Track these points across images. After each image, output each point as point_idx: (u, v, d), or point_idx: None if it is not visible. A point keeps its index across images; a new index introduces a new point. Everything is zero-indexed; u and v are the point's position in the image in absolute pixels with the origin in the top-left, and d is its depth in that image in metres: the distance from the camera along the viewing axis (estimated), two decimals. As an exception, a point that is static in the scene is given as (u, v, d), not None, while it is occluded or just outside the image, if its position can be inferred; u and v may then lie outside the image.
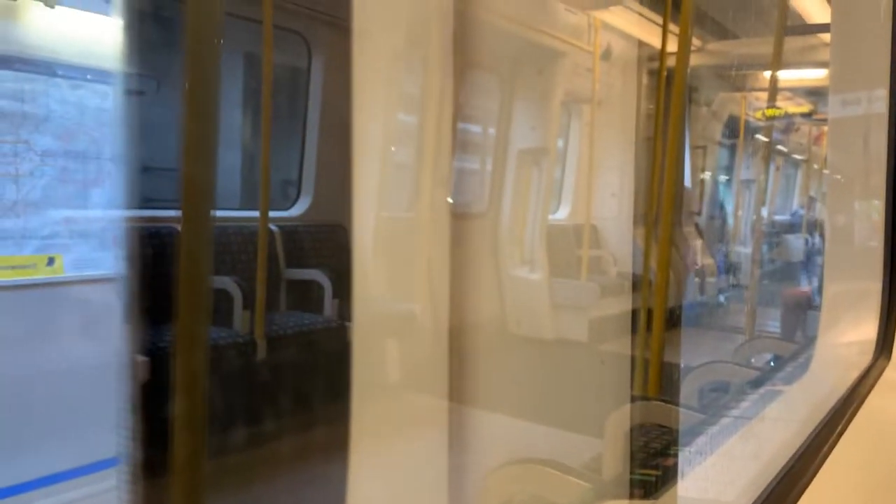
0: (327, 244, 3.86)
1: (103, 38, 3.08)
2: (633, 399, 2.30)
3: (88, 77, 3.05)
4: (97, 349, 3.10)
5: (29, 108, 2.88)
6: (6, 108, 2.80)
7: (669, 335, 2.51)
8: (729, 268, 8.01)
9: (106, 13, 3.05)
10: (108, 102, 3.12)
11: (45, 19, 2.90)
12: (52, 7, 2.89)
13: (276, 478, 2.77)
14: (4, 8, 2.80)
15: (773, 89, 5.17)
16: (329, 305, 3.41)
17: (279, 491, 2.73)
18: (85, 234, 3.07)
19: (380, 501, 1.67)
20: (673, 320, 2.66)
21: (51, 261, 2.95)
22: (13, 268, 2.86)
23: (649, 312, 2.59)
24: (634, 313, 2.84)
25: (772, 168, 8.56)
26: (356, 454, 1.62)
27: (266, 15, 3.43)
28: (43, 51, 2.91)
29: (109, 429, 3.03)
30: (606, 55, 4.52)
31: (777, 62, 4.50)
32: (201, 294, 1.03)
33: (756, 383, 2.34)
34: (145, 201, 3.73)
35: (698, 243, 7.55)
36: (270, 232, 3.83)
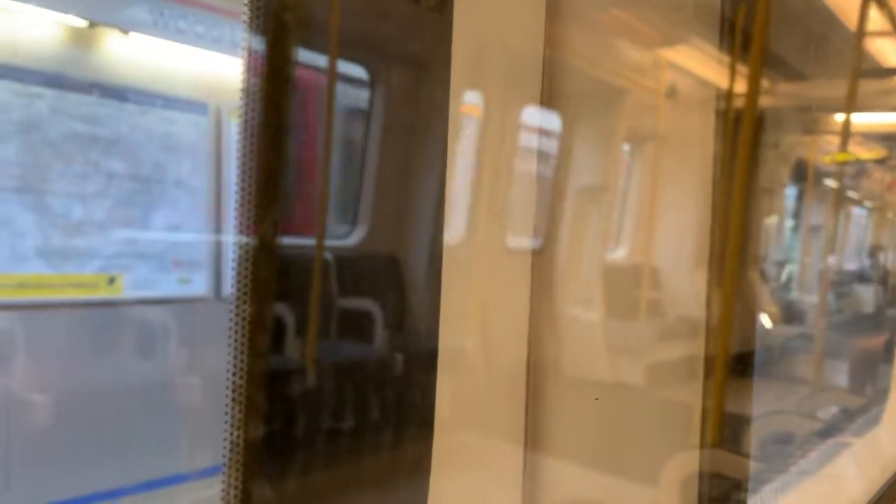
0: (380, 274, 3.85)
1: (173, 64, 3.16)
2: (691, 447, 2.20)
3: (157, 103, 3.13)
4: (153, 368, 3.14)
5: (100, 131, 2.96)
6: (79, 131, 2.89)
7: (735, 383, 2.41)
8: (794, 316, 7.74)
9: (177, 40, 3.14)
10: (175, 128, 3.19)
11: (118, 45, 3.00)
12: (126, 34, 2.98)
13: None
14: (81, 34, 2.91)
15: (846, 134, 5.01)
16: (380, 336, 3.38)
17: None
18: (145, 255, 3.12)
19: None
20: (739, 367, 2.56)
21: (112, 280, 3.00)
22: (76, 286, 2.93)
23: (711, 358, 2.49)
24: (695, 359, 2.74)
25: (841, 214, 8.30)
26: (433, 484, 1.59)
27: (332, 48, 3.47)
28: (115, 76, 3.00)
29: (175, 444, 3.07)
30: (672, 93, 4.45)
31: (851, 106, 4.37)
32: (266, 317, 1.07)
33: (823, 435, 2.22)
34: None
35: (763, 289, 7.33)
36: (325, 260, 3.84)
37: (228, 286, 3.41)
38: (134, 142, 3.08)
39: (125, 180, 3.04)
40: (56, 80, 2.83)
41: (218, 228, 3.52)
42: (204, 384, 3.18)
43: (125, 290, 3.04)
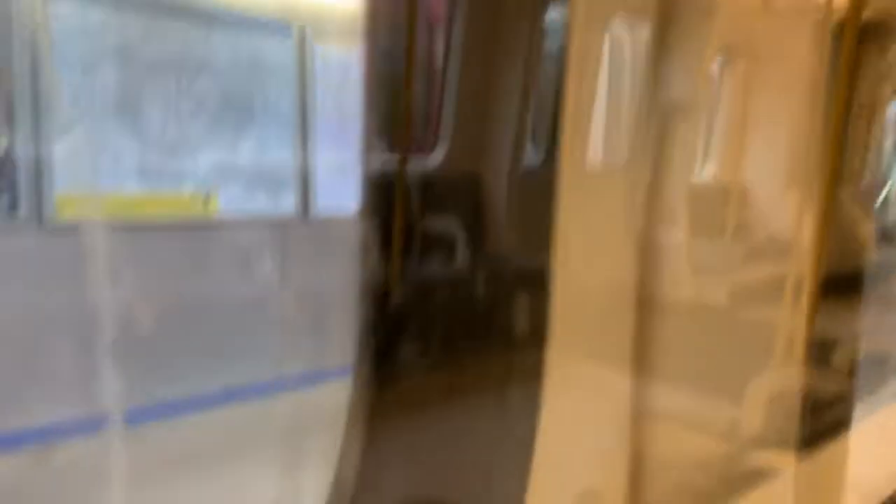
0: (461, 193, 3.86)
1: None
2: (778, 366, 2.19)
3: (244, 25, 3.17)
4: (250, 284, 3.27)
5: (191, 54, 3.03)
6: (171, 55, 2.96)
7: (845, 302, 2.36)
8: (891, 237, 7.41)
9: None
10: (261, 51, 3.24)
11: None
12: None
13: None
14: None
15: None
16: (462, 255, 3.41)
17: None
18: (236, 175, 3.22)
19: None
20: (836, 288, 2.50)
21: (206, 199, 3.12)
22: (173, 205, 3.06)
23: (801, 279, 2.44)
24: (786, 279, 2.69)
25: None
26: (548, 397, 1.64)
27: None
28: (206, 1, 3.04)
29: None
30: (767, 2, 4.20)
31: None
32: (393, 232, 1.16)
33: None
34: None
35: (857, 210, 7.01)
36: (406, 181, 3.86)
37: (315, 206, 3.50)
38: (222, 65, 3.14)
39: (215, 103, 3.12)
40: (147, 5, 2.90)
41: (304, 149, 3.58)
42: (296, 298, 3.30)
43: (220, 208, 3.16)
